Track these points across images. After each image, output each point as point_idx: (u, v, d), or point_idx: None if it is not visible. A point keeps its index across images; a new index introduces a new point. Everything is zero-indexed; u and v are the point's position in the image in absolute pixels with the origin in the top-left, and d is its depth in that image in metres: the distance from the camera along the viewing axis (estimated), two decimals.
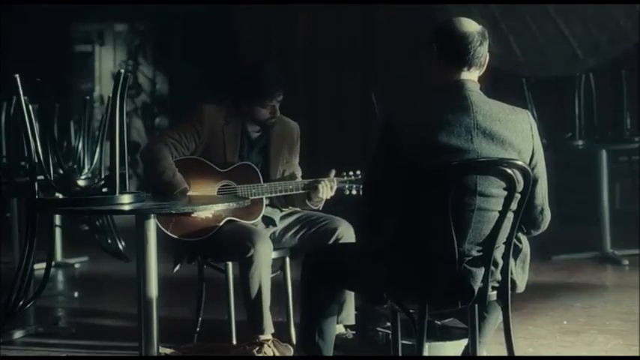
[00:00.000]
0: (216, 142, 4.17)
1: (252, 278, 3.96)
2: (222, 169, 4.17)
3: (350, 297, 4.06)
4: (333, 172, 4.22)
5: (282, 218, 4.29)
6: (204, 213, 3.99)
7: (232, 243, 4.02)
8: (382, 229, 3.05)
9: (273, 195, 4.20)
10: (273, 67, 4.32)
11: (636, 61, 7.70)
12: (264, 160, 4.27)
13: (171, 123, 10.02)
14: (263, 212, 4.20)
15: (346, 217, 4.18)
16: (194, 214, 4.01)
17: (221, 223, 4.10)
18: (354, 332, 4.10)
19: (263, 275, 3.97)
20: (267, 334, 4.00)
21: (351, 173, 4.25)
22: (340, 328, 4.08)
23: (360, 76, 9.06)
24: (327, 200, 4.26)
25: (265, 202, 4.21)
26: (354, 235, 4.09)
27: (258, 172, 4.19)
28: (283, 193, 4.19)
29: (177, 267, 4.23)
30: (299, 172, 4.39)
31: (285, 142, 4.32)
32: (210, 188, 4.13)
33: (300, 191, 4.19)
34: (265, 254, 3.97)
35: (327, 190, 4.17)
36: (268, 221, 4.25)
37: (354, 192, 4.21)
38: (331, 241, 4.11)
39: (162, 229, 4.02)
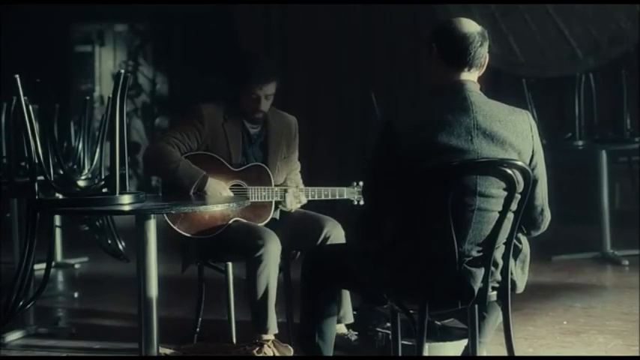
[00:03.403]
0: (219, 140, 4.17)
1: (261, 277, 3.95)
2: (235, 168, 4.17)
3: (345, 295, 4.06)
4: (302, 185, 4.22)
5: None
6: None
7: (242, 241, 4.01)
8: (382, 230, 3.05)
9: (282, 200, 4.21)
10: (267, 58, 4.30)
11: (636, 61, 7.70)
12: (263, 156, 4.27)
13: (171, 124, 10.03)
14: (272, 216, 4.20)
15: (344, 218, 4.17)
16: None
17: (228, 223, 4.10)
18: (356, 333, 4.10)
19: (271, 274, 3.96)
20: (271, 334, 3.99)
21: (360, 183, 4.24)
22: (342, 329, 4.08)
23: (360, 76, 9.06)
24: (326, 201, 4.26)
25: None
26: (342, 234, 4.10)
27: (270, 174, 4.19)
28: (309, 198, 4.21)
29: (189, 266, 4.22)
30: (297, 167, 4.39)
31: (283, 136, 4.31)
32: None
33: (322, 198, 4.20)
34: (275, 253, 3.97)
35: (293, 202, 4.17)
36: (272, 221, 4.25)
37: (362, 202, 4.20)
38: (319, 240, 4.09)
39: (170, 223, 4.02)
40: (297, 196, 4.19)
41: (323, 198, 4.23)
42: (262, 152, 4.27)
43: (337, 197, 4.23)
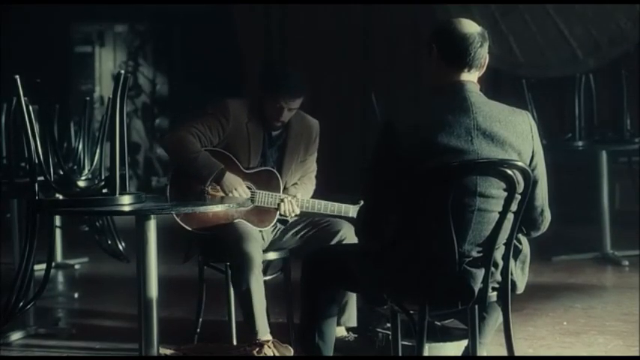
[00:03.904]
0: (241, 138, 4.17)
1: (241, 281, 3.94)
2: (246, 170, 4.17)
3: (352, 299, 4.06)
4: (295, 197, 4.21)
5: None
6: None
7: (225, 244, 4.02)
8: (383, 230, 3.05)
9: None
10: (297, 73, 4.30)
11: (636, 61, 7.70)
12: (280, 157, 4.27)
13: (172, 126, 10.01)
14: (275, 222, 4.20)
15: (346, 218, 4.18)
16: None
17: (231, 223, 4.11)
18: (356, 335, 4.10)
19: (252, 278, 3.93)
20: (263, 336, 3.98)
21: None
22: (342, 331, 4.08)
23: (360, 75, 9.06)
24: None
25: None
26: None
27: (280, 180, 4.19)
28: (303, 210, 4.21)
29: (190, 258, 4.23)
30: (313, 169, 4.39)
31: (302, 140, 4.31)
32: None
33: (316, 211, 4.19)
34: (255, 259, 3.94)
35: (289, 211, 4.17)
36: (279, 221, 4.25)
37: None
38: (334, 243, 4.10)
39: (174, 215, 4.03)
40: (291, 206, 4.17)
41: (329, 213, 4.22)
42: (279, 154, 4.27)
43: (342, 214, 4.22)
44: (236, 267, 3.96)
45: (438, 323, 3.89)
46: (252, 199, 4.13)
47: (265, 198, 4.16)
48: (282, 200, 4.17)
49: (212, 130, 4.15)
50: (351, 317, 4.09)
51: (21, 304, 3.46)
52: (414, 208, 2.95)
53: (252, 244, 3.97)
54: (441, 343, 3.83)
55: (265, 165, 4.22)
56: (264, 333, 3.99)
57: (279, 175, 4.21)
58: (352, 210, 4.20)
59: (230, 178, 4.09)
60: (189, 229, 4.08)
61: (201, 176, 4.07)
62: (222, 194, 4.09)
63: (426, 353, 3.07)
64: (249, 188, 4.16)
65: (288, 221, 4.27)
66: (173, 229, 4.11)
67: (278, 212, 4.19)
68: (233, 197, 4.06)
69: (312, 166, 4.40)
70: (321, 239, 4.14)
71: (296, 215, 4.21)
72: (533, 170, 3.00)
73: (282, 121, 4.20)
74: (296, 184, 4.31)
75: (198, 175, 4.08)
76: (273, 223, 4.20)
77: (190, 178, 4.10)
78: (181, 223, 4.08)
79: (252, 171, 4.19)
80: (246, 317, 4.01)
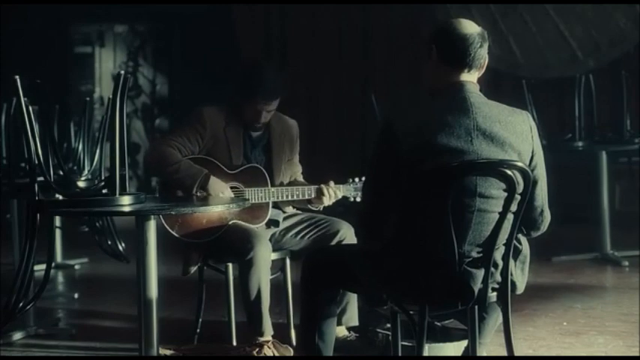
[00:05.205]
0: (220, 144, 4.17)
1: (252, 280, 3.96)
2: (231, 171, 4.17)
3: (353, 298, 4.07)
4: (332, 183, 4.21)
5: (285, 219, 4.30)
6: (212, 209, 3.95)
7: (232, 245, 4.02)
8: (382, 230, 3.05)
9: (280, 200, 4.20)
10: (274, 73, 4.28)
11: (636, 62, 7.70)
12: (267, 160, 4.27)
13: (172, 127, 10.02)
14: (269, 216, 4.20)
15: (346, 218, 4.18)
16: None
17: (227, 225, 4.10)
18: (357, 335, 4.10)
19: (262, 277, 3.96)
20: (267, 336, 4.00)
21: (357, 180, 4.24)
22: (343, 331, 4.08)
23: (360, 76, 9.06)
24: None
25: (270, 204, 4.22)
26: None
27: (267, 175, 4.19)
28: (290, 199, 4.20)
29: (192, 270, 4.20)
30: (299, 169, 4.40)
31: (285, 140, 4.32)
32: None
33: (307, 197, 4.19)
34: (264, 257, 3.97)
35: (332, 197, 4.17)
36: (272, 222, 4.25)
37: (358, 199, 4.20)
38: (333, 243, 4.10)
39: (168, 228, 4.02)
40: (332, 192, 4.17)
41: (306, 197, 4.22)
42: (265, 156, 4.27)
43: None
44: (247, 267, 3.95)
45: (438, 324, 3.89)
46: (243, 198, 4.12)
47: (256, 194, 4.16)
48: (321, 192, 4.14)
49: (191, 139, 4.15)
50: (352, 317, 4.10)
51: (21, 304, 3.46)
52: (413, 208, 2.95)
53: (264, 243, 3.98)
54: (441, 344, 3.83)
55: (245, 166, 4.21)
56: (269, 332, 4.00)
57: (264, 170, 4.20)
58: (343, 189, 4.20)
59: (215, 183, 4.07)
60: (186, 239, 4.07)
61: (186, 186, 4.05)
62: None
63: (426, 353, 3.07)
64: (237, 188, 4.16)
65: (279, 222, 4.26)
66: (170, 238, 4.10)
67: (270, 206, 4.18)
68: (224, 198, 4.06)
69: (297, 166, 4.41)
70: (320, 239, 4.15)
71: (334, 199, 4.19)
72: (532, 170, 3.00)
73: (261, 122, 4.21)
74: (289, 184, 4.31)
75: (183, 185, 4.06)
76: (266, 219, 4.20)
77: (177, 189, 4.09)
78: (176, 235, 4.06)
79: (237, 170, 4.18)
80: (253, 317, 4.00)
